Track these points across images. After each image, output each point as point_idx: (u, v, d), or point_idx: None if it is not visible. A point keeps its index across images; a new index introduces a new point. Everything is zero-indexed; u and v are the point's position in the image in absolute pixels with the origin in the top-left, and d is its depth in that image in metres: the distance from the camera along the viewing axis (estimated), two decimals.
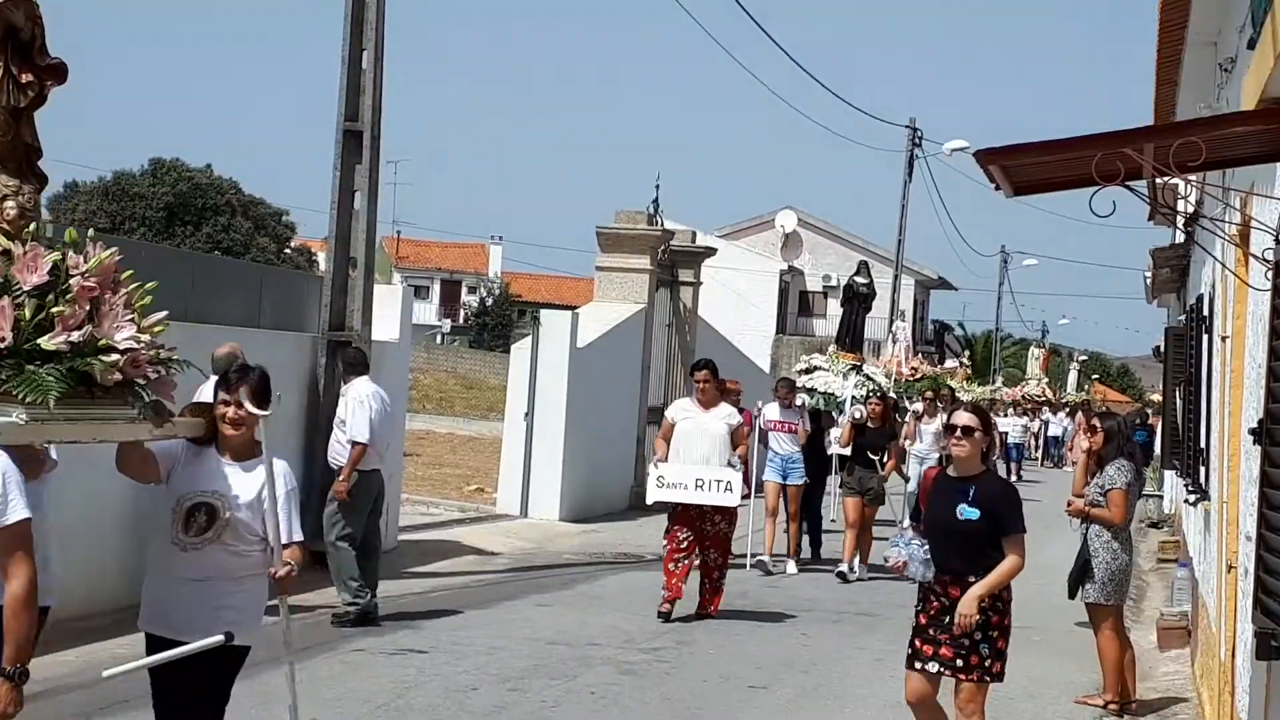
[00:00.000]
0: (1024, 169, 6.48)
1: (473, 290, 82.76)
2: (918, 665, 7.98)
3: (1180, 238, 18.11)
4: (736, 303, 46.67)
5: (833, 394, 19.74)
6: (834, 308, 51.23)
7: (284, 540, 6.56)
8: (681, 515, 13.48)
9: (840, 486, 17.89)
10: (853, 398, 19.03)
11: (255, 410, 6.47)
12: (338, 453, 12.90)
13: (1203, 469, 11.69)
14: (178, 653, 6.36)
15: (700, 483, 13.21)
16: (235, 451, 6.57)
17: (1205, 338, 11.76)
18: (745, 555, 16.57)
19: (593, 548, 18.55)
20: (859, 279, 22.63)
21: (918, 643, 8.01)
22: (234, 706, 9.21)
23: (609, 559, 17.69)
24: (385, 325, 16.78)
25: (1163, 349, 19.33)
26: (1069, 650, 12.39)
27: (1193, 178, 7.76)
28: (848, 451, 17.58)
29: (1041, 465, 46.23)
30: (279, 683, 10.18)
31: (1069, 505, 11.15)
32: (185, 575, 6.48)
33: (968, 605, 7.78)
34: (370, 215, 15.71)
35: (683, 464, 13.33)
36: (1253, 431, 6.13)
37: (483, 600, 14.29)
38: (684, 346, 24.96)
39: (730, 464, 13.30)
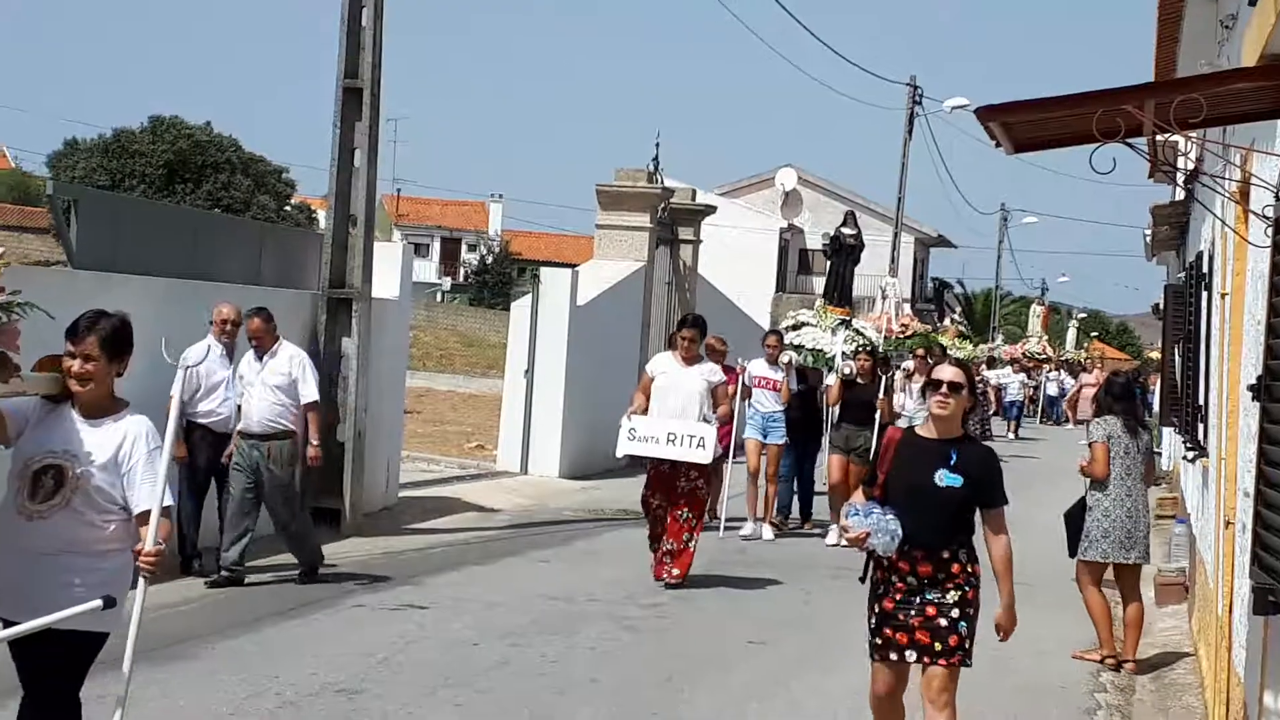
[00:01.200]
0: (1024, 126, 6.48)
1: (473, 248, 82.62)
2: (892, 656, 7.09)
3: (1180, 195, 18.10)
4: (736, 261, 46.57)
5: (821, 350, 18.97)
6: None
7: (136, 508, 5.82)
8: (655, 479, 13.03)
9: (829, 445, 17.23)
10: (842, 354, 18.09)
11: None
12: (278, 415, 12.29)
13: (1201, 426, 11.71)
14: (39, 624, 5.49)
15: (672, 437, 12.74)
16: (87, 408, 5.87)
17: (1204, 295, 11.77)
18: (720, 520, 16.36)
19: (592, 504, 18.60)
20: (845, 230, 22.01)
21: (888, 631, 7.09)
22: (234, 660, 9.29)
23: (608, 515, 17.74)
24: (385, 282, 16.78)
25: (1162, 306, 19.36)
26: (1068, 606, 12.44)
27: (1193, 134, 7.76)
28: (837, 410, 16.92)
29: (1040, 423, 46.25)
30: (283, 635, 10.26)
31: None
32: (34, 548, 5.72)
33: (1010, 621, 7.14)
34: (370, 173, 15.69)
35: (655, 417, 12.91)
36: (1251, 388, 6.14)
37: (483, 556, 14.34)
38: (684, 304, 24.93)
39: (705, 419, 12.85)
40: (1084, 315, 77.38)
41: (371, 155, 15.69)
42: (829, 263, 21.65)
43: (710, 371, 13.29)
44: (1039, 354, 51.15)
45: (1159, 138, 6.76)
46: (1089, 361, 45.86)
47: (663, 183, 24.62)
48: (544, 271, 22.75)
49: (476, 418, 29.19)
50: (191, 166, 50.85)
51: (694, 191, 27.40)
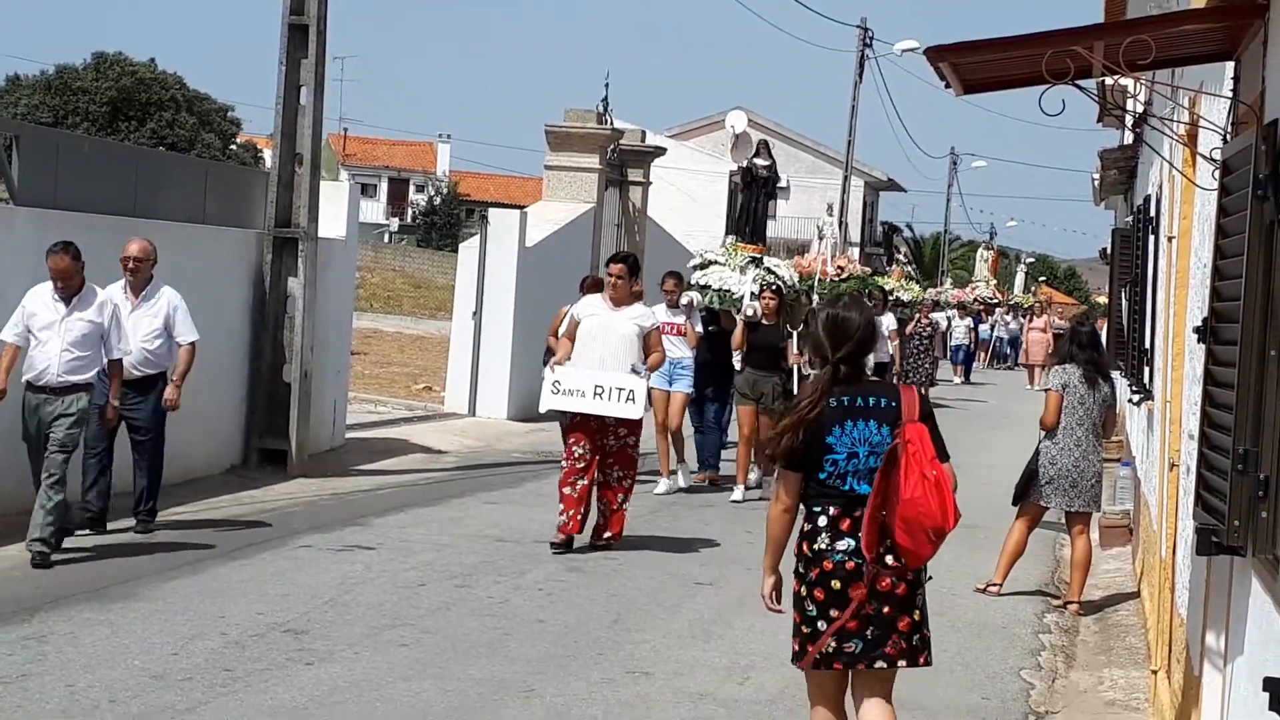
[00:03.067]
0: (974, 67, 6.46)
1: (420, 189, 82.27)
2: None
3: (1129, 139, 18.15)
4: (686, 203, 46.50)
5: (728, 291, 17.49)
6: (784, 209, 51.23)
7: None
8: (579, 425, 11.91)
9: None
10: (751, 294, 16.84)
11: None
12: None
13: (1147, 369, 11.78)
14: None
15: (599, 390, 11.63)
16: None
17: (1152, 238, 11.82)
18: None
19: (541, 446, 18.58)
20: (758, 160, 19.77)
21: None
22: (180, 600, 9.27)
23: (556, 457, 17.61)
24: (332, 223, 16.68)
25: (1109, 250, 19.42)
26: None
27: (1142, 76, 7.76)
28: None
29: (989, 367, 46.50)
30: (228, 575, 10.23)
31: None
32: None
33: None
34: (316, 111, 15.56)
35: (582, 368, 11.78)
36: (1197, 330, 6.16)
37: (431, 498, 14.31)
38: (633, 246, 24.88)
39: (634, 370, 11.75)
40: (1032, 260, 77.74)
41: (318, 93, 15.55)
42: (740, 196, 19.59)
43: (641, 315, 12.14)
44: (989, 298, 51.37)
45: (1108, 81, 6.77)
46: (1037, 306, 45.96)
47: (612, 124, 24.54)
48: (492, 213, 22.68)
49: (424, 359, 29.12)
50: (135, 104, 50.36)
51: (643, 133, 27.34)
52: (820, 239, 25.28)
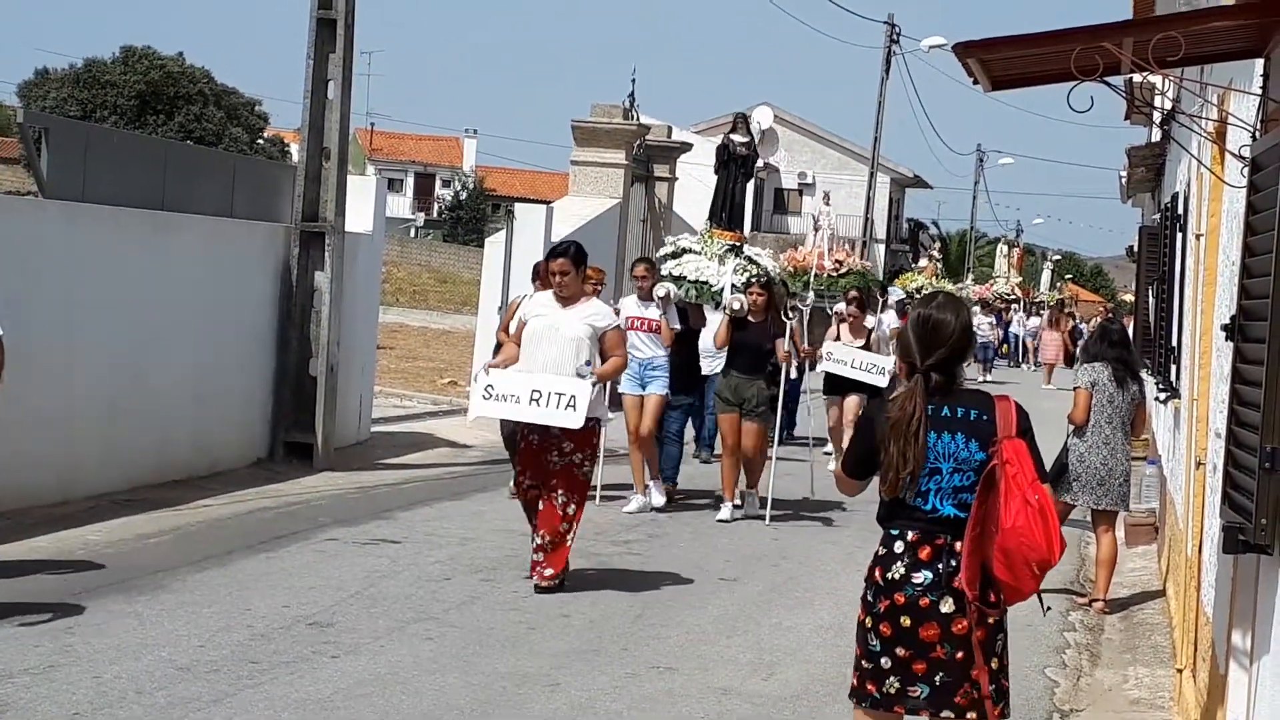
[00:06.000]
0: (1002, 63, 6.44)
1: (447, 184, 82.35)
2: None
3: (1157, 136, 18.09)
4: (711, 199, 46.49)
5: (706, 283, 15.46)
6: (809, 205, 51.18)
7: None
8: (524, 453, 10.30)
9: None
10: (732, 286, 15.03)
11: None
12: None
13: (1174, 367, 11.74)
14: None
15: (536, 395, 9.93)
16: None
17: (1179, 236, 11.78)
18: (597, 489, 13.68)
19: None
20: (736, 137, 17.64)
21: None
22: (206, 592, 9.31)
23: None
24: (358, 217, 16.71)
25: (1136, 248, 19.37)
26: None
27: (1171, 73, 7.74)
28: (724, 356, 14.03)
29: (1009, 366, 46.33)
30: (255, 568, 10.28)
31: None
32: None
33: None
34: (344, 105, 15.58)
35: (520, 372, 10.18)
36: (1225, 328, 6.15)
37: (455, 492, 14.33)
38: (658, 242, 24.82)
39: (579, 373, 10.05)
40: (1059, 257, 77.58)
41: (345, 87, 15.58)
42: (716, 176, 17.64)
43: (595, 314, 10.38)
44: (1008, 295, 51.11)
45: (1136, 78, 6.76)
46: (1050, 311, 45.21)
47: (638, 119, 24.52)
48: (518, 208, 22.64)
49: (449, 354, 29.16)
50: (163, 98, 50.46)
51: (669, 128, 27.32)
52: (816, 230, 23.02)
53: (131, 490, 12.66)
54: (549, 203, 23.72)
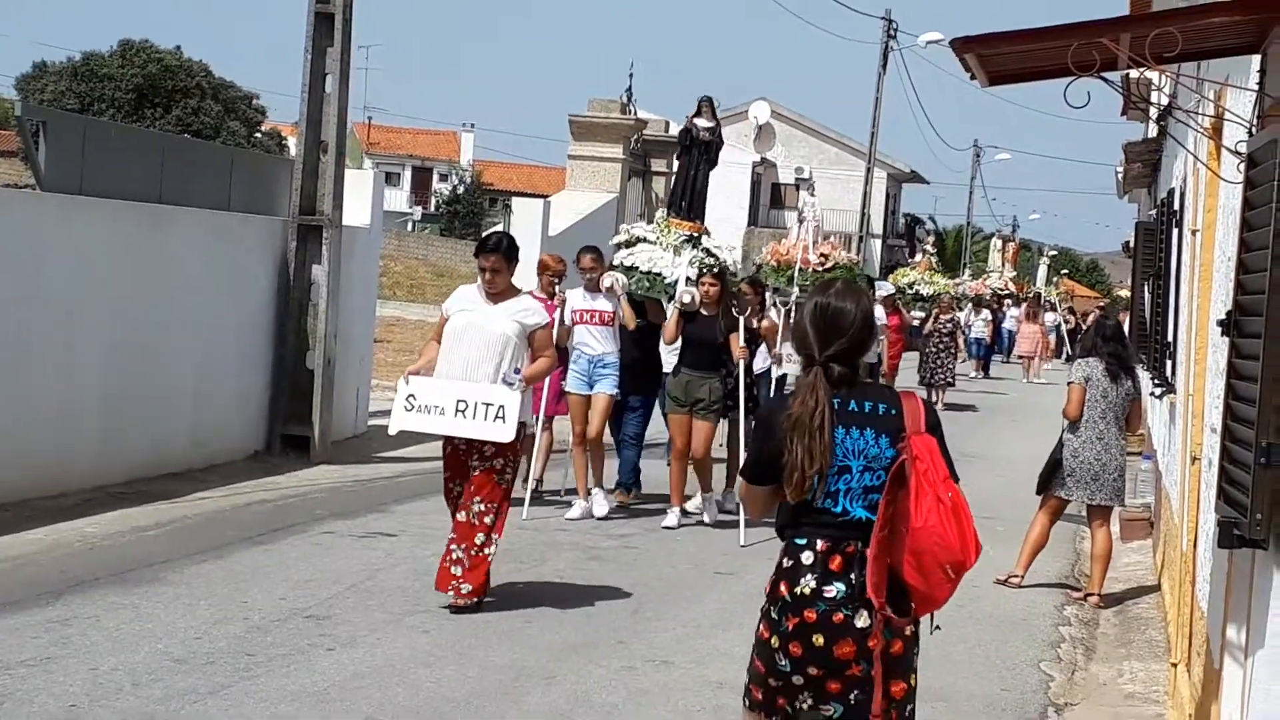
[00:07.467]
0: (1000, 58, 6.45)
1: (444, 178, 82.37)
2: None
3: (1153, 132, 18.09)
4: (709, 194, 46.52)
5: (659, 275, 14.69)
6: (806, 200, 51.12)
7: None
8: (450, 457, 9.58)
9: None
10: (688, 279, 14.16)
11: None
12: None
13: (1169, 362, 11.76)
14: None
15: (463, 407, 9.25)
16: None
17: (1175, 231, 11.79)
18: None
19: (562, 436, 18.57)
20: (699, 121, 16.28)
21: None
22: (203, 585, 9.33)
23: None
24: (356, 210, 16.72)
25: (1132, 243, 19.37)
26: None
27: (1168, 69, 7.74)
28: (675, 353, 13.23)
29: (1003, 361, 46.19)
30: (251, 560, 10.29)
31: None
32: None
33: None
34: (341, 99, 15.58)
35: (442, 379, 9.45)
36: (1221, 323, 6.15)
37: None
38: None
39: (505, 380, 9.31)
40: (1055, 253, 77.61)
41: (343, 81, 15.58)
42: (677, 163, 16.49)
43: (522, 310, 9.54)
44: (1001, 290, 50.98)
45: (1133, 74, 6.77)
46: (1028, 305, 43.70)
47: (636, 114, 24.56)
48: (515, 202, 22.69)
49: None
50: (161, 91, 50.51)
51: (667, 123, 27.32)
52: (800, 223, 21.59)
53: (128, 483, 12.68)
54: (546, 197, 23.73)
